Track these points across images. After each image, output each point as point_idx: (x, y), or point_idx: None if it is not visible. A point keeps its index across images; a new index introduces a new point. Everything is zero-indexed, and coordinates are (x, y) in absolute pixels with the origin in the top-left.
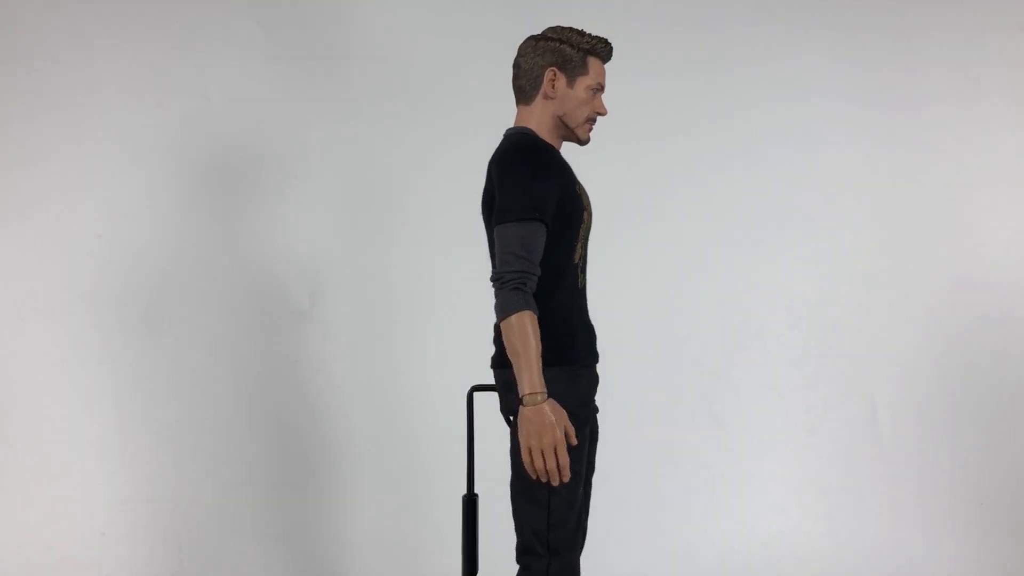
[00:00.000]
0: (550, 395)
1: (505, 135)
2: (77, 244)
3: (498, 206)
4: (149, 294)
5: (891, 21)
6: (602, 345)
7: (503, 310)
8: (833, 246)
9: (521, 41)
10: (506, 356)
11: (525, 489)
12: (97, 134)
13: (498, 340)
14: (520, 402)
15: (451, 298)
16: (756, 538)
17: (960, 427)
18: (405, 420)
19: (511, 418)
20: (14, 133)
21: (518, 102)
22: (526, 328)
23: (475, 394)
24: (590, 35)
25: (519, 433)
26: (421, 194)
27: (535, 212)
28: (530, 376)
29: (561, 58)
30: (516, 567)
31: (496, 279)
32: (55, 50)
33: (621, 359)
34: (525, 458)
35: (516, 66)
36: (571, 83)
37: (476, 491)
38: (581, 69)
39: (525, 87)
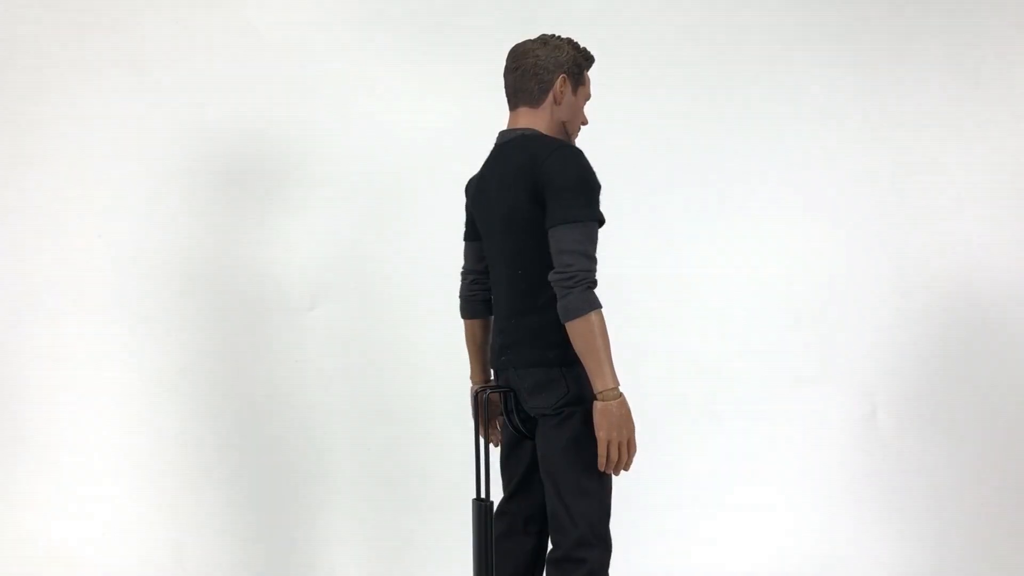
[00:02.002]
0: (590, 391)
1: (528, 136)
2: (77, 244)
3: (563, 205)
4: (149, 294)
5: (891, 21)
6: None
7: (579, 309)
8: (833, 246)
9: (515, 43)
10: (542, 354)
11: (579, 483)
12: (97, 134)
13: (533, 339)
14: (595, 397)
15: (452, 299)
16: (756, 538)
17: (960, 427)
18: (406, 421)
19: (531, 416)
20: (14, 133)
21: (521, 103)
22: (603, 326)
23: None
24: (583, 47)
25: (598, 426)
26: (422, 194)
27: (597, 214)
28: (607, 372)
29: (568, 65)
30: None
31: (568, 278)
32: (55, 50)
33: (621, 359)
34: (602, 450)
35: (520, 68)
36: (575, 91)
37: (483, 495)
38: (580, 79)
39: (533, 90)
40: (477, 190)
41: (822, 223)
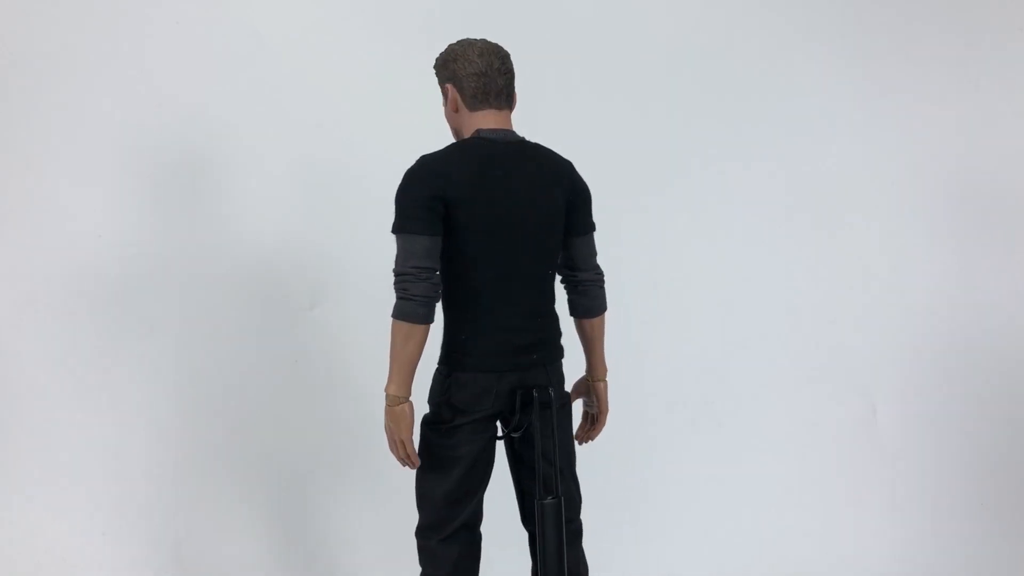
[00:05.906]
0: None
1: (532, 143)
2: (77, 244)
3: (590, 214)
4: (149, 294)
5: (891, 21)
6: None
7: (605, 304)
8: (833, 245)
9: (500, 41)
10: (561, 349)
11: (574, 467)
12: (97, 134)
13: (557, 335)
14: (602, 382)
15: None
16: (755, 538)
17: (960, 427)
18: None
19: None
20: (14, 133)
21: (509, 106)
22: None
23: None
24: None
25: (606, 403)
26: None
27: None
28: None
29: None
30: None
31: (599, 276)
32: (55, 50)
33: (621, 359)
34: (604, 421)
35: (510, 71)
36: None
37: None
38: None
39: (513, 95)
40: (478, 184)
41: (821, 222)
